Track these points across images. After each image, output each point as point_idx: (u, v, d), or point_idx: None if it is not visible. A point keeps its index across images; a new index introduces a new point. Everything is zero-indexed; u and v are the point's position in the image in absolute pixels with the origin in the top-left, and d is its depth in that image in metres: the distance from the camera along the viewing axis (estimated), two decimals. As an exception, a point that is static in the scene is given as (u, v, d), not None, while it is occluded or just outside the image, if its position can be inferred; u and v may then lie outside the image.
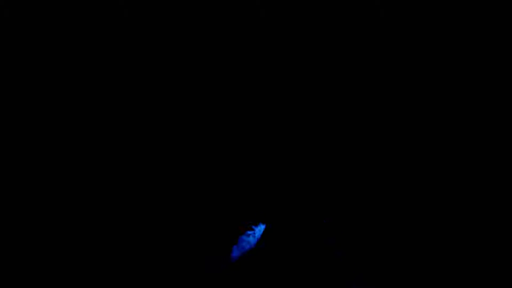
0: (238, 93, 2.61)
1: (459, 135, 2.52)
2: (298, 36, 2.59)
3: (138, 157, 2.56)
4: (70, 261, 2.38)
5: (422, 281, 2.34)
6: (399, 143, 2.56)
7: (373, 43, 2.57)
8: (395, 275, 2.34)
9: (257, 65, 2.61)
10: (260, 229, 2.34)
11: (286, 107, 2.60)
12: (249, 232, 2.32)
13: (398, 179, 2.54)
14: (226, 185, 2.55)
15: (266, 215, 2.42)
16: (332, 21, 2.56)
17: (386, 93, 2.58)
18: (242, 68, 2.61)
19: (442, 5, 2.49)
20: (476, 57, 2.51)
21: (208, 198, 2.53)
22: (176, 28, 2.58)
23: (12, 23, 2.49)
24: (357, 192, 2.55)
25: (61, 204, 2.48)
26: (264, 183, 2.54)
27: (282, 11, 2.57)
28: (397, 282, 2.32)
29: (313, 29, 2.58)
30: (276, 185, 2.52)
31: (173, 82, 2.61)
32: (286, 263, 2.24)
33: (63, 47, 2.55)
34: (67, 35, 2.54)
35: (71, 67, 2.56)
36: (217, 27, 2.59)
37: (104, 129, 2.56)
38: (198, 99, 2.61)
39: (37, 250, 2.39)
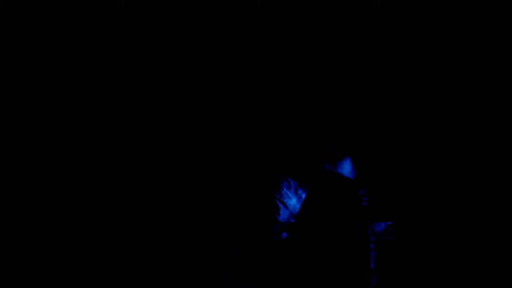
0: (240, 93, 2.61)
1: (459, 134, 2.52)
2: (298, 36, 2.59)
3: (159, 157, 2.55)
4: (71, 261, 2.38)
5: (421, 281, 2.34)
6: (400, 143, 2.55)
7: (373, 43, 2.57)
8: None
9: (257, 65, 2.61)
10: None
11: (289, 106, 2.60)
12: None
13: (398, 179, 2.54)
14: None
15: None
16: (332, 21, 2.56)
17: (386, 93, 2.58)
18: (242, 67, 2.61)
19: (442, 5, 2.49)
20: (477, 57, 2.51)
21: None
22: (175, 28, 2.58)
23: (12, 23, 2.49)
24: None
25: (61, 204, 2.48)
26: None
27: (282, 11, 2.57)
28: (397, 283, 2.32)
29: (313, 29, 2.58)
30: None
31: (172, 81, 2.61)
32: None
33: (63, 47, 2.55)
34: (67, 35, 2.54)
35: (71, 67, 2.56)
36: (217, 27, 2.59)
37: (104, 129, 2.56)
38: (199, 99, 2.62)
39: (37, 250, 2.40)
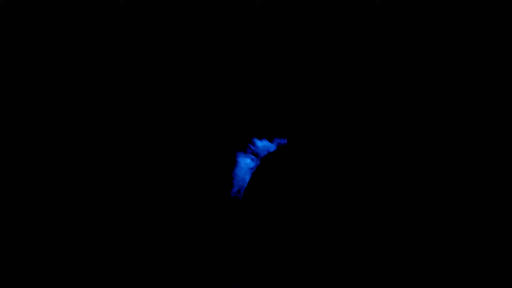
0: (239, 94, 2.61)
1: (459, 135, 2.52)
2: (297, 37, 2.59)
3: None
4: (71, 261, 2.39)
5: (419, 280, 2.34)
6: (400, 144, 2.55)
7: (373, 43, 2.57)
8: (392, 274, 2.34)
9: (257, 65, 2.61)
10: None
11: (289, 108, 2.61)
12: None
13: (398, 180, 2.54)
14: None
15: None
16: (332, 21, 2.57)
17: (386, 94, 2.58)
18: (242, 68, 2.62)
19: (442, 5, 2.49)
20: (477, 58, 2.51)
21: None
22: (175, 28, 2.59)
23: (12, 23, 2.49)
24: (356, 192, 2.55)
25: (61, 204, 2.49)
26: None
27: (282, 11, 2.57)
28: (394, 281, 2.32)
29: (313, 29, 2.58)
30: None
31: (172, 82, 2.61)
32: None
33: (63, 48, 2.55)
34: (67, 35, 2.55)
35: (71, 67, 2.56)
36: (217, 27, 2.59)
37: (103, 130, 2.57)
38: (198, 100, 2.62)
39: (37, 250, 2.40)
